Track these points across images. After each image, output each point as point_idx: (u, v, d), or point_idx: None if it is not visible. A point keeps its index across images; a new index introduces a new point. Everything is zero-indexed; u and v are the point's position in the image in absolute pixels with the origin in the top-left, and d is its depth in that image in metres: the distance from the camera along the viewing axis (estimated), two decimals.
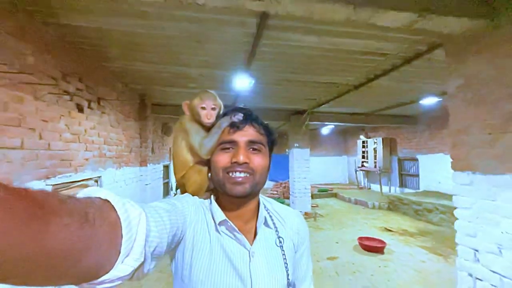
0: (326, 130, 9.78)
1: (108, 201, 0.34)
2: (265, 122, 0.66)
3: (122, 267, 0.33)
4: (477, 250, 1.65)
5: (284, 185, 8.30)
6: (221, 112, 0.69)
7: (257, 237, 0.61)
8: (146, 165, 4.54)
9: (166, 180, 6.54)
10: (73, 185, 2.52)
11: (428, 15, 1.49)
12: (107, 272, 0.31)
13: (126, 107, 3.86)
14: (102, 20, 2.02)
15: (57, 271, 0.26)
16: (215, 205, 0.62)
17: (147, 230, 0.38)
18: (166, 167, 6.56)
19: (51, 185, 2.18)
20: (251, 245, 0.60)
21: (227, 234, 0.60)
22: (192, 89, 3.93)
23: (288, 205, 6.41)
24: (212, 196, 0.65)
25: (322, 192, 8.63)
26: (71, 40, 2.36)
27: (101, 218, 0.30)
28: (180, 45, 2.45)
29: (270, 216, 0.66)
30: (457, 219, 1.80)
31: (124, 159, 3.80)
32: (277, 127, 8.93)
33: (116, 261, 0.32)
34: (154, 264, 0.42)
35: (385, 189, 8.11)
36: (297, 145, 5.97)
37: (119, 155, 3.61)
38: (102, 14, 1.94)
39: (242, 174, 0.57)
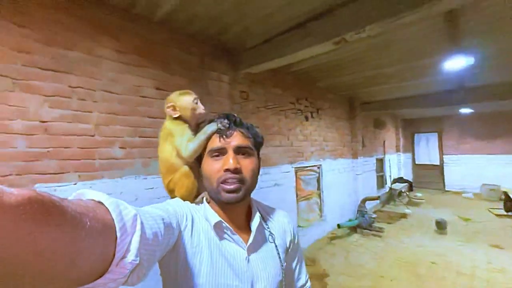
0: None
1: (101, 203, 0.33)
2: (249, 124, 0.68)
3: (117, 270, 0.32)
4: None
5: None
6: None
7: (252, 235, 0.63)
8: (357, 158, 5.25)
9: (380, 173, 6.75)
10: (305, 169, 3.92)
11: None
12: (101, 276, 0.31)
13: (337, 110, 4.84)
14: (313, 60, 3.06)
15: (49, 274, 0.24)
16: (208, 208, 0.64)
17: (142, 233, 0.37)
18: (380, 161, 6.76)
19: (294, 167, 3.66)
20: (246, 244, 0.61)
21: (222, 236, 0.61)
22: (394, 84, 3.99)
23: None
24: (204, 200, 0.66)
25: None
26: (298, 77, 3.72)
27: (94, 219, 0.29)
28: (369, 55, 2.86)
29: (261, 215, 0.69)
30: None
31: (338, 152, 4.81)
32: None
33: (110, 264, 0.32)
34: (149, 269, 0.41)
35: None
36: None
37: (334, 149, 4.68)
38: (313, 58, 2.95)
39: (235, 184, 0.59)
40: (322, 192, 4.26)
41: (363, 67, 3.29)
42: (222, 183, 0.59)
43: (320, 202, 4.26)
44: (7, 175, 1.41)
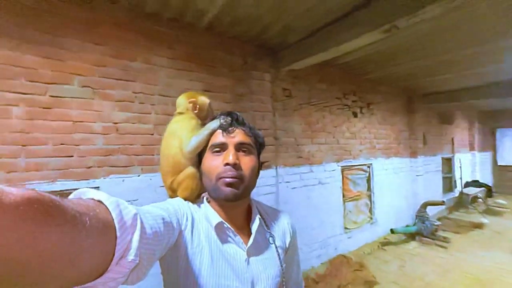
0: None
1: (101, 202, 0.34)
2: (251, 125, 0.69)
3: (117, 269, 0.32)
4: None
5: None
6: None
7: (252, 236, 0.63)
8: (416, 157, 4.66)
9: (448, 175, 5.87)
10: (353, 168, 3.69)
11: None
12: (101, 275, 0.31)
13: (391, 104, 4.38)
14: (362, 51, 2.84)
15: (49, 274, 0.24)
16: (209, 208, 0.64)
17: (141, 232, 0.37)
18: (447, 160, 5.87)
19: (340, 166, 3.49)
20: (246, 245, 0.61)
21: (223, 237, 0.61)
22: (464, 71, 3.42)
23: None
24: (205, 200, 0.66)
25: None
26: (346, 70, 3.50)
27: (95, 219, 0.29)
28: (429, 40, 2.51)
29: (261, 216, 0.69)
30: None
31: (393, 150, 4.37)
32: None
33: (110, 263, 0.32)
34: (149, 268, 0.42)
35: None
36: None
37: (387, 147, 4.27)
38: (362, 48, 2.75)
39: (234, 180, 0.58)
40: (373, 193, 3.95)
41: (423, 54, 2.90)
42: (221, 178, 0.59)
43: (370, 204, 3.95)
44: (90, 167, 1.75)
